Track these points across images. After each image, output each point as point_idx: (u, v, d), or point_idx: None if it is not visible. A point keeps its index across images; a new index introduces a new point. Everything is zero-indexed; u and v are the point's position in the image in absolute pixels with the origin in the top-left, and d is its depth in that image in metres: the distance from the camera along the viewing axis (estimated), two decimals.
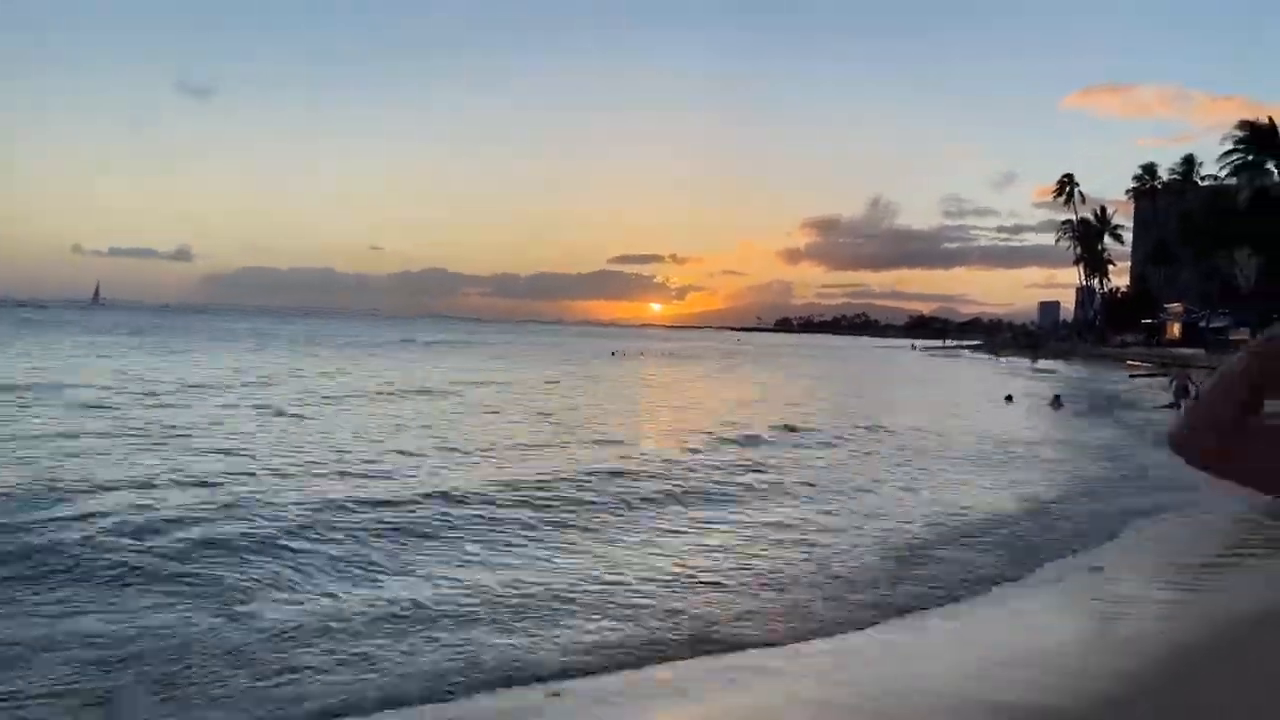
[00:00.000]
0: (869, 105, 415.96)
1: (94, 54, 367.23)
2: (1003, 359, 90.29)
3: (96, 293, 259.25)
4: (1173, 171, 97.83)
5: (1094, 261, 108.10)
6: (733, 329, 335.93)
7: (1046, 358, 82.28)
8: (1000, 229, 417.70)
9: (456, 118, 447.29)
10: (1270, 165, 76.31)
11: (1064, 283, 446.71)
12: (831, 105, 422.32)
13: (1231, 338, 76.49)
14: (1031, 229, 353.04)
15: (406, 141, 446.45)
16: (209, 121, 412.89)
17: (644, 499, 12.11)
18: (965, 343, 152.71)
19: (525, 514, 10.82)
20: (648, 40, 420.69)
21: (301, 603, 7.24)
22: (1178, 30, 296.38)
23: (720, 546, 9.64)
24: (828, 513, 11.68)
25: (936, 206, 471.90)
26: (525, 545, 9.48)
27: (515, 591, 7.66)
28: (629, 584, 8.01)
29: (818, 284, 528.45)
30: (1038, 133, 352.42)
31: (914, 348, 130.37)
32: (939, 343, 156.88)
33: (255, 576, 7.87)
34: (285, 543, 8.95)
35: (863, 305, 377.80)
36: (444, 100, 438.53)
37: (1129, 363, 63.66)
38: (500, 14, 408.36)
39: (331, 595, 7.47)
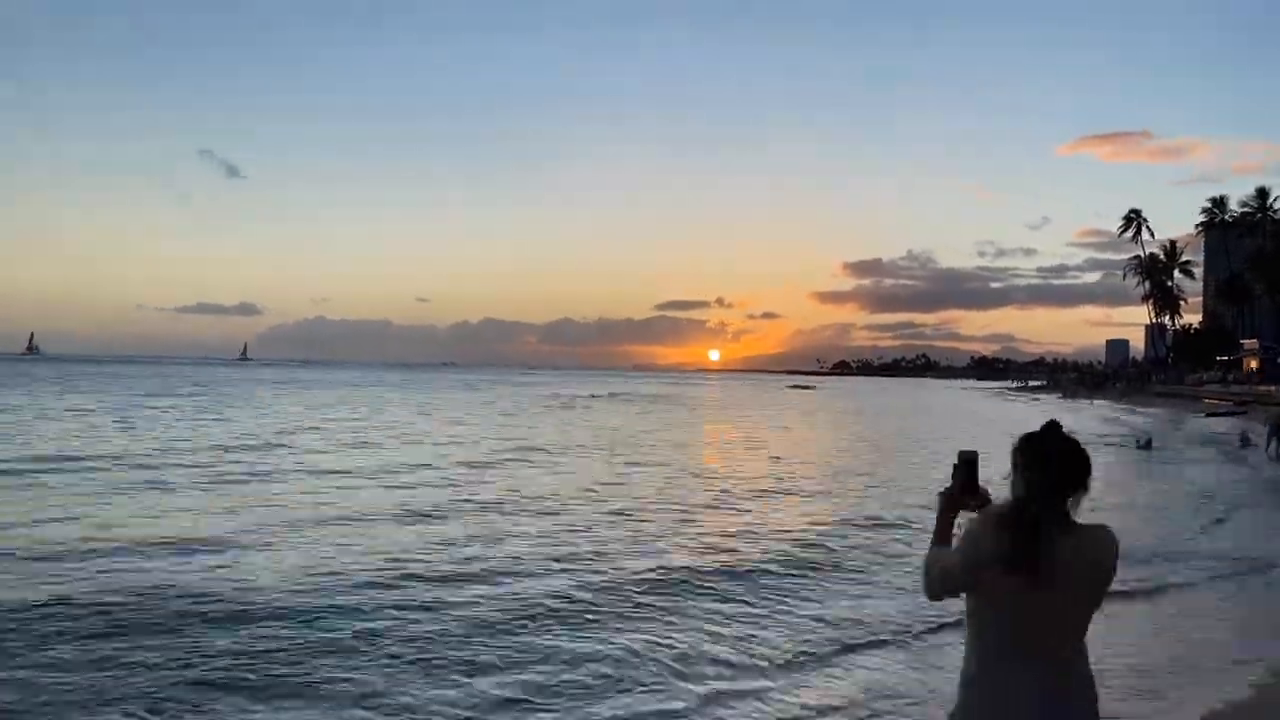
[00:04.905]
0: (899, 151, 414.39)
1: (136, 129, 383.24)
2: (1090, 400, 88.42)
3: (244, 351, 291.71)
4: (1244, 205, 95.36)
5: (1164, 298, 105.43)
6: (791, 373, 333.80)
7: (1111, 399, 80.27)
8: (1040, 269, 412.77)
9: (487, 176, 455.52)
10: None
11: (1122, 320, 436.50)
12: (860, 152, 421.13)
13: None
14: (1075, 269, 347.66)
15: (447, 198, 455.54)
16: (250, 188, 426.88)
17: None
18: (1032, 383, 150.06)
19: None
20: (679, 86, 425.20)
21: None
22: (1198, 78, 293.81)
23: None
24: None
25: (972, 248, 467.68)
26: None
27: None
28: None
29: (863, 325, 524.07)
30: (1064, 176, 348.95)
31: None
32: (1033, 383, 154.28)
33: None
34: None
35: (918, 346, 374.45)
36: (479, 157, 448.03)
37: (1207, 401, 61.90)
38: (538, 81, 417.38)
39: None
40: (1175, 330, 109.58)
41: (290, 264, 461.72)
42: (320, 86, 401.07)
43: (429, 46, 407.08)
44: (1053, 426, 2.61)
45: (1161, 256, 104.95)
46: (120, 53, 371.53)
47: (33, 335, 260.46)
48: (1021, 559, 2.46)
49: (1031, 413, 57.52)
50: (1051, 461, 2.54)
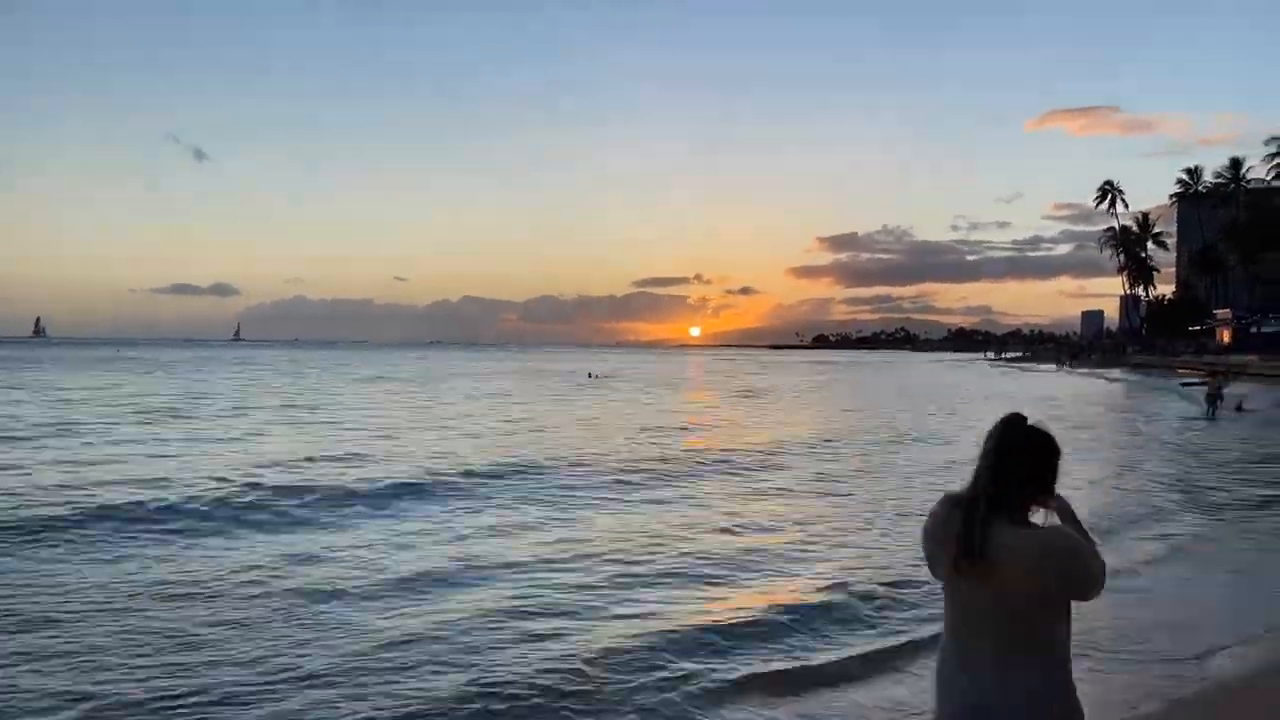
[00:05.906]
0: (871, 126, 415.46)
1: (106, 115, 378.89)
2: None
3: (238, 331, 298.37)
4: (1218, 175, 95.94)
5: (1138, 269, 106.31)
6: (773, 348, 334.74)
7: (1088, 368, 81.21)
8: (1015, 242, 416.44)
9: (463, 154, 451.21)
10: None
11: (1096, 292, 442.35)
12: (834, 125, 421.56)
13: None
14: (1049, 241, 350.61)
15: (424, 176, 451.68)
16: (219, 171, 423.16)
17: None
18: (1008, 355, 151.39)
19: None
20: (657, 64, 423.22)
21: None
22: (1167, 50, 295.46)
23: None
24: None
25: (947, 221, 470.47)
26: None
27: None
28: None
29: (841, 299, 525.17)
30: (1035, 150, 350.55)
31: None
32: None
33: None
34: None
35: (896, 320, 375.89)
36: (455, 135, 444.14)
37: (1180, 370, 62.59)
38: (516, 51, 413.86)
39: None
40: (1149, 301, 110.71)
41: (265, 245, 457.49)
42: (289, 66, 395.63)
43: (404, 24, 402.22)
44: (1014, 417, 2.60)
45: (1135, 228, 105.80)
46: (94, 34, 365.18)
47: (39, 319, 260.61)
48: (956, 545, 2.51)
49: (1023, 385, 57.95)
50: (1005, 453, 2.55)
